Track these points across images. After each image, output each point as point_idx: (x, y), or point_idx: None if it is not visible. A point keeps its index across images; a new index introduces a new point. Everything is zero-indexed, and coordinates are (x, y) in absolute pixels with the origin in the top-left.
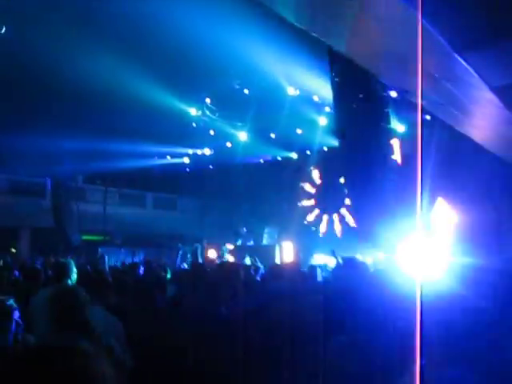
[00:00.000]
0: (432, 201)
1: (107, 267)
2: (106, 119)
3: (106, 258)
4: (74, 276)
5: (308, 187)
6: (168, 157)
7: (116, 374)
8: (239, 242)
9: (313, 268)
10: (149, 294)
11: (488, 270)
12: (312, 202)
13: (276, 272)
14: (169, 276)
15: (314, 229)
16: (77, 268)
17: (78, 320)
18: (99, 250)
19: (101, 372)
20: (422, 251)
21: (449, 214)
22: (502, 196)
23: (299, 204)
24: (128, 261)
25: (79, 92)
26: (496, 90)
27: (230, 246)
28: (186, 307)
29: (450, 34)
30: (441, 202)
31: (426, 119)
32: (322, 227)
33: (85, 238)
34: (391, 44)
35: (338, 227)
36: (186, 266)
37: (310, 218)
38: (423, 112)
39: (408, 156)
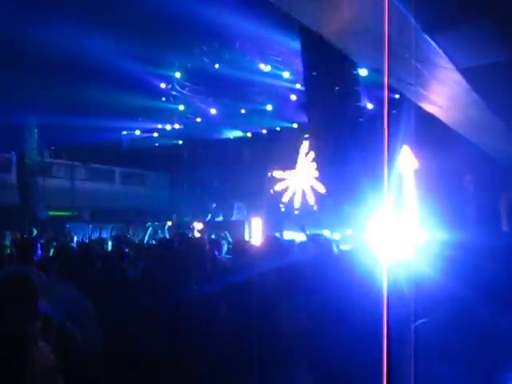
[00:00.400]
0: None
1: (75, 243)
2: (73, 92)
3: (74, 235)
4: (39, 253)
5: (277, 174)
6: (137, 131)
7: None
8: (209, 217)
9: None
10: (117, 270)
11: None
12: (284, 184)
13: (239, 248)
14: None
15: (282, 207)
16: (45, 244)
17: (23, 307)
18: (67, 225)
19: (36, 359)
20: (391, 228)
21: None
22: (469, 175)
23: (271, 191)
24: (96, 236)
25: (46, 62)
26: (463, 72)
27: (199, 224)
28: (156, 284)
29: (421, 14)
30: (406, 151)
31: (394, 98)
32: (296, 202)
33: (52, 213)
34: (360, 22)
35: (311, 199)
36: (155, 243)
37: (285, 199)
38: (393, 91)
39: (378, 133)
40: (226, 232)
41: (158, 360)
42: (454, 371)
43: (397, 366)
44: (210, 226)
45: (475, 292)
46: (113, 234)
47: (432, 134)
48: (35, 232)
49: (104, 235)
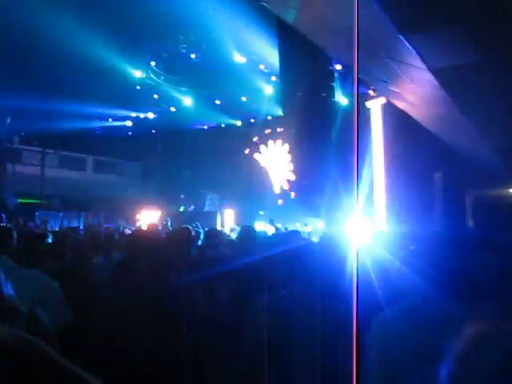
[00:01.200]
0: (372, 179)
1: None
2: (45, 77)
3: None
4: (13, 242)
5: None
6: (110, 119)
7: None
8: (182, 209)
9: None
10: (86, 259)
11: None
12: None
13: (211, 240)
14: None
15: (280, 202)
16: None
17: None
18: (36, 213)
19: None
20: (361, 221)
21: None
22: (437, 171)
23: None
24: (66, 225)
25: (18, 46)
26: (435, 72)
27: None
28: (134, 273)
29: (396, 15)
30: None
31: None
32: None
33: (21, 201)
34: (336, 18)
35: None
36: (130, 232)
37: (277, 190)
38: (367, 87)
39: (350, 128)
40: (198, 223)
41: (133, 348)
42: (413, 365)
43: (364, 359)
44: (181, 216)
45: (439, 285)
46: (85, 222)
47: (403, 131)
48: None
49: (75, 223)
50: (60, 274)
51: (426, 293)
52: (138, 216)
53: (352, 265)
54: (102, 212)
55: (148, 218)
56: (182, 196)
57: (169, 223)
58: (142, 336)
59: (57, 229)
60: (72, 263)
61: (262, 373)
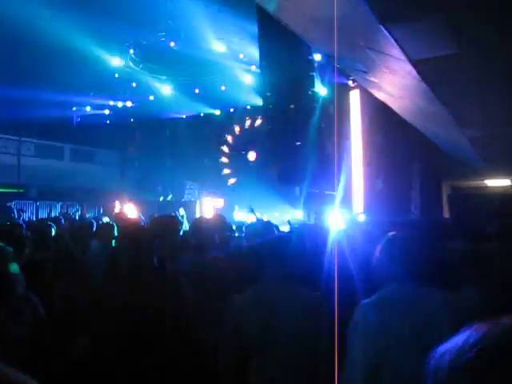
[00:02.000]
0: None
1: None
2: (21, 64)
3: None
4: None
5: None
6: (88, 107)
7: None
8: (161, 198)
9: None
10: (70, 250)
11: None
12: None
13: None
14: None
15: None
16: None
17: None
18: (13, 202)
19: None
20: (339, 209)
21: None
22: (416, 162)
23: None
24: (44, 215)
25: None
26: (415, 63)
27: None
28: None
29: (377, 4)
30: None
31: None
32: None
33: None
34: (317, 8)
35: None
36: (109, 220)
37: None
38: (347, 77)
39: (330, 118)
40: (176, 211)
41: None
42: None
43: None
44: (159, 206)
45: (417, 272)
46: (62, 211)
47: (382, 120)
48: None
49: (53, 213)
50: (43, 264)
51: (405, 279)
52: (115, 206)
53: (331, 254)
54: (83, 202)
55: (125, 208)
56: (160, 187)
57: (142, 217)
58: (129, 323)
59: (33, 218)
60: (56, 252)
61: (243, 361)
